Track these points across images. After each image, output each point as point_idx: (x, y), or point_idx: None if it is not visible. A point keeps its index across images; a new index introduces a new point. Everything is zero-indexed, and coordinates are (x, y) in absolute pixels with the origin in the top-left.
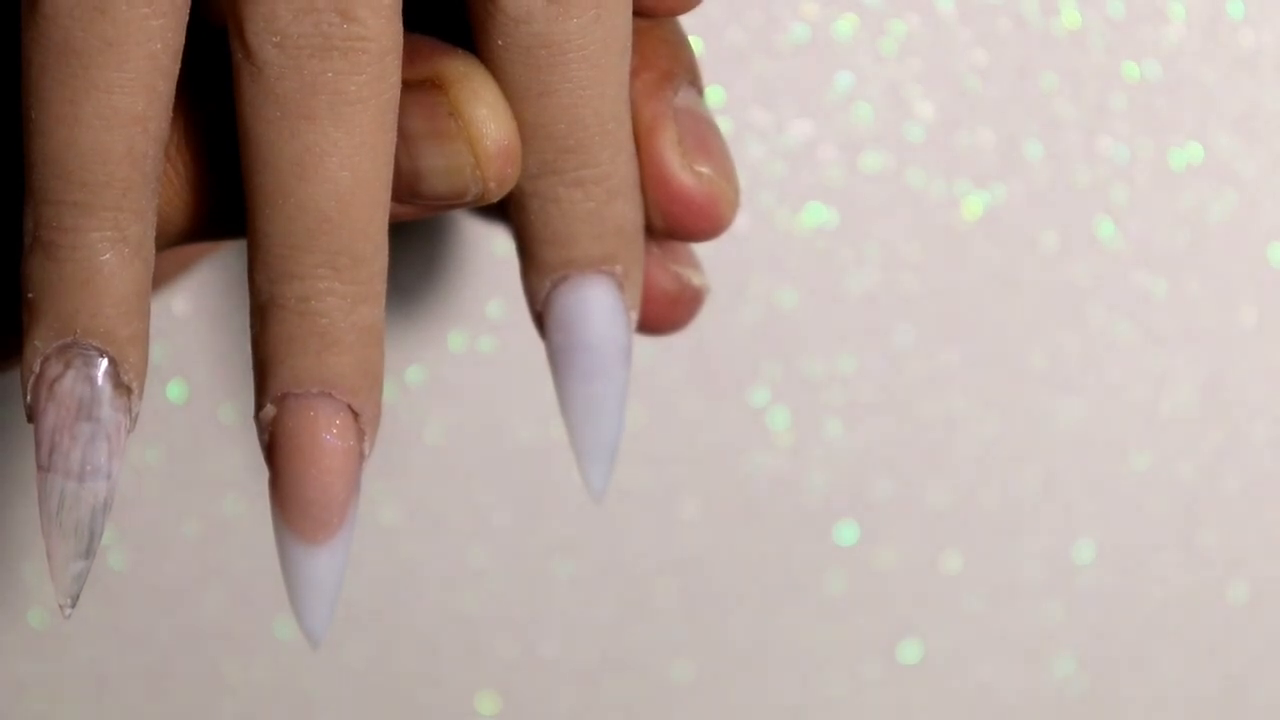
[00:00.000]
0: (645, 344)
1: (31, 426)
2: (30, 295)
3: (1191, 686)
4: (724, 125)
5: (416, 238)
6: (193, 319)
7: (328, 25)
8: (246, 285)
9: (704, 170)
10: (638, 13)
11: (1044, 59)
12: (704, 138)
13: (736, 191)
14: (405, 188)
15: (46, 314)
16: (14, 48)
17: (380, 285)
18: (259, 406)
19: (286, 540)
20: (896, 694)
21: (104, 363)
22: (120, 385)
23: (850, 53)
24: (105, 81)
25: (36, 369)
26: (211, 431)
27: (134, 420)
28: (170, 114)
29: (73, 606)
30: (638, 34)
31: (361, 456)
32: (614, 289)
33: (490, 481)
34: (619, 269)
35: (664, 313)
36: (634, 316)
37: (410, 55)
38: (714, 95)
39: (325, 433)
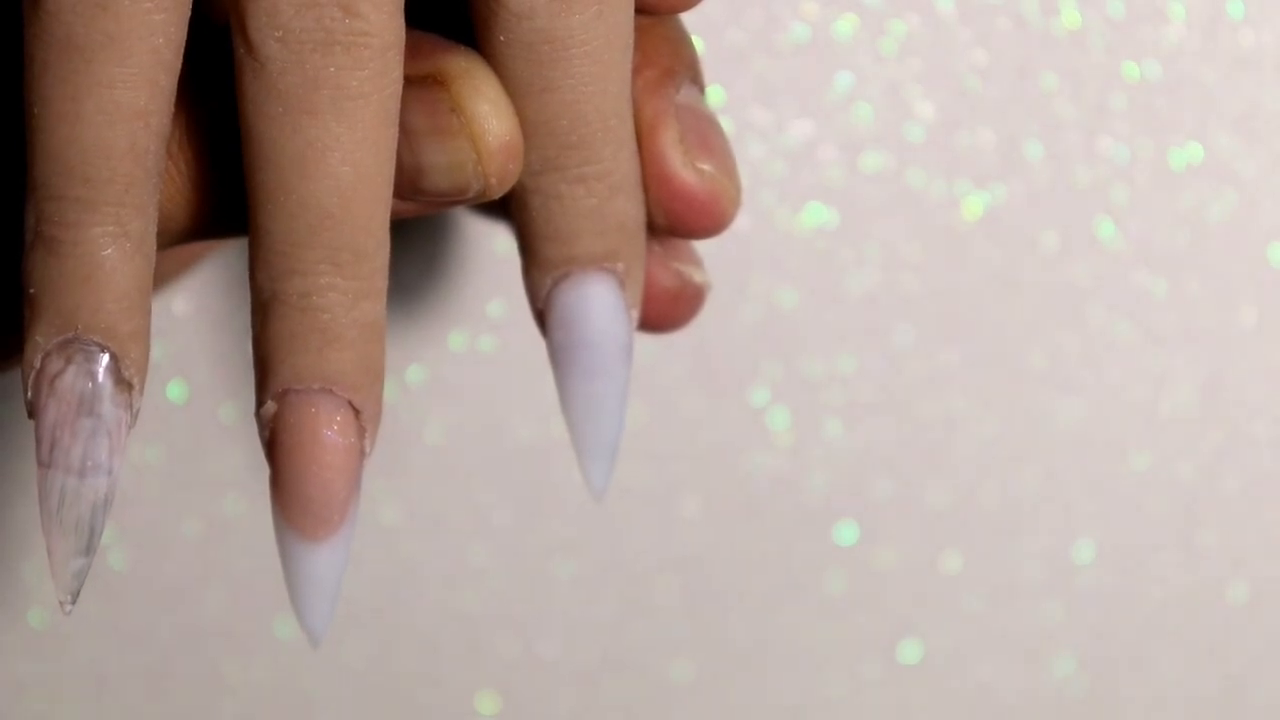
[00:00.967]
0: (646, 343)
1: (32, 423)
2: (31, 291)
3: (1191, 686)
4: (724, 125)
5: (417, 236)
6: (193, 319)
7: (330, 20)
8: (247, 284)
9: (705, 167)
10: (639, 10)
11: (1044, 59)
12: (705, 135)
13: (738, 189)
14: (407, 184)
15: (48, 309)
16: (16, 44)
17: (382, 281)
18: (260, 403)
19: (287, 538)
20: (896, 694)
21: (105, 358)
22: (121, 381)
23: (850, 53)
24: (107, 77)
25: (37, 365)
26: (211, 431)
27: (135, 416)
28: (172, 109)
29: (73, 603)
30: (639, 31)
31: (362, 453)
32: (615, 287)
33: (490, 481)
34: (620, 266)
35: (665, 310)
36: (635, 315)
37: (412, 51)
38: (714, 95)
39: (326, 429)
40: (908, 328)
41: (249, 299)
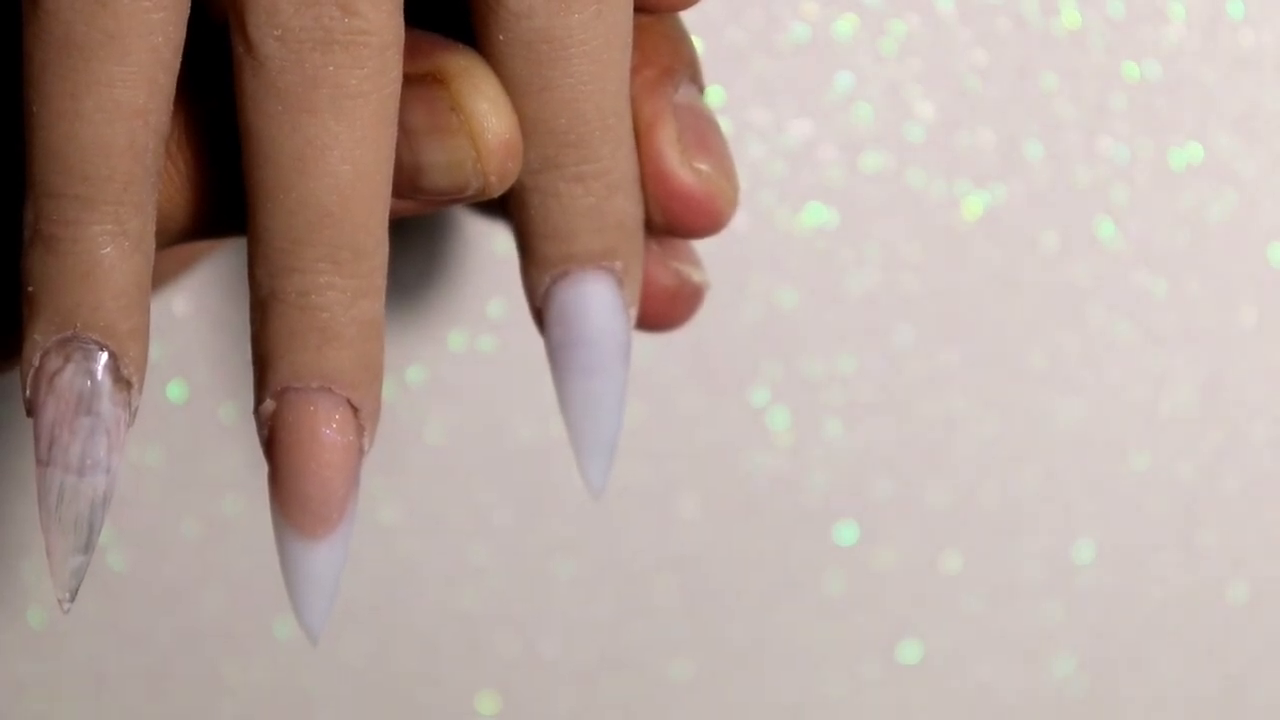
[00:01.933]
0: (645, 342)
1: (30, 422)
2: (30, 289)
3: (1191, 686)
4: (724, 125)
5: (417, 236)
6: (193, 319)
7: (329, 19)
8: (247, 284)
9: (703, 167)
10: (639, 9)
11: (1044, 59)
12: (704, 134)
13: (736, 189)
14: (406, 182)
15: (46, 308)
16: (14, 42)
17: (381, 280)
18: (258, 401)
19: (285, 536)
20: (896, 694)
21: (104, 357)
22: (120, 379)
23: (850, 53)
24: (106, 75)
25: (36, 363)
26: (211, 431)
27: (134, 415)
28: (171, 108)
29: (71, 601)
30: (638, 30)
31: (361, 452)
32: (614, 285)
33: (490, 481)
34: (619, 265)
35: (663, 309)
36: (633, 313)
37: (411, 50)
38: (714, 95)
39: (325, 427)
40: (908, 328)
41: (249, 298)
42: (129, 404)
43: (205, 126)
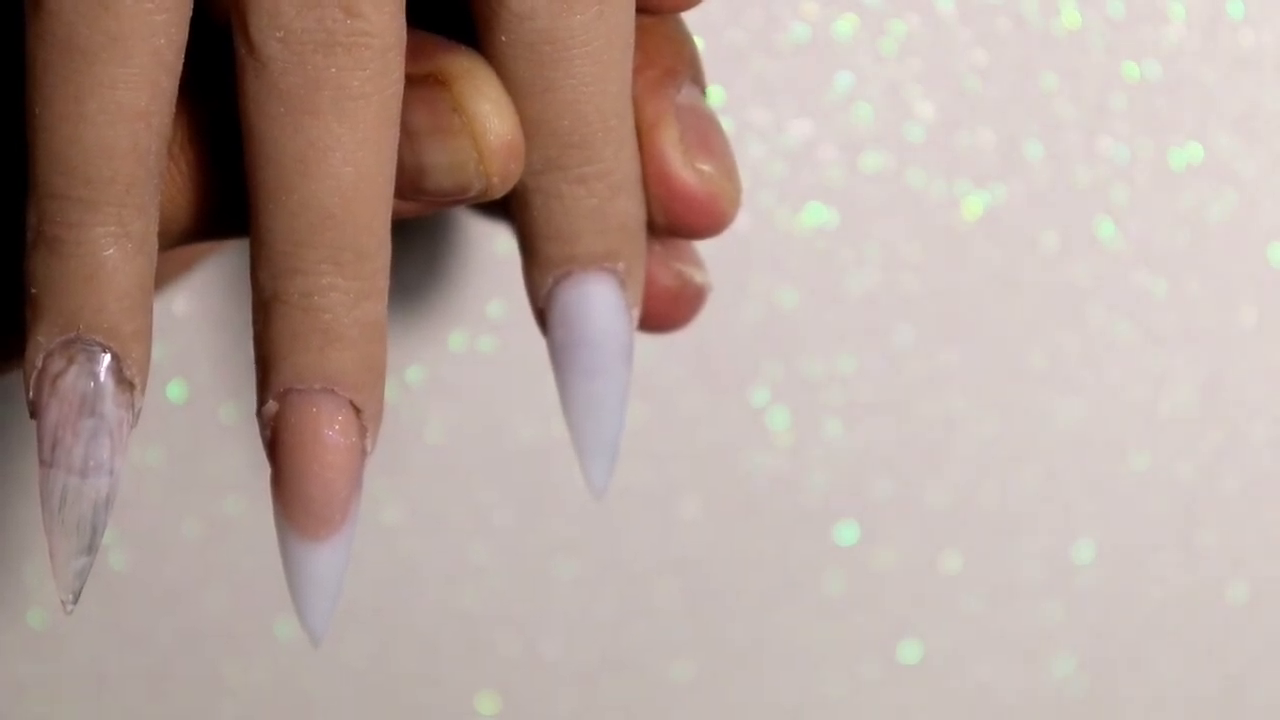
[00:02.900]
0: (646, 343)
1: (33, 424)
2: (33, 291)
3: (1191, 686)
4: (724, 125)
5: (418, 236)
6: (193, 319)
7: (331, 21)
8: (248, 284)
9: (705, 168)
10: (641, 10)
11: (1044, 59)
12: (706, 135)
13: (738, 189)
14: (409, 184)
15: (49, 310)
16: (17, 44)
17: (383, 281)
18: (261, 402)
19: (288, 537)
20: (896, 694)
21: (107, 358)
22: (123, 381)
23: (850, 53)
24: (109, 77)
25: (39, 364)
26: (211, 431)
27: (137, 416)
28: (174, 109)
29: (75, 603)
30: (641, 31)
31: (364, 453)
32: (616, 286)
33: (490, 481)
34: (621, 266)
35: (666, 310)
36: (636, 314)
37: (413, 51)
38: (714, 95)
39: (327, 429)
40: (908, 328)
41: (250, 299)
42: (132, 405)
43: (208, 128)
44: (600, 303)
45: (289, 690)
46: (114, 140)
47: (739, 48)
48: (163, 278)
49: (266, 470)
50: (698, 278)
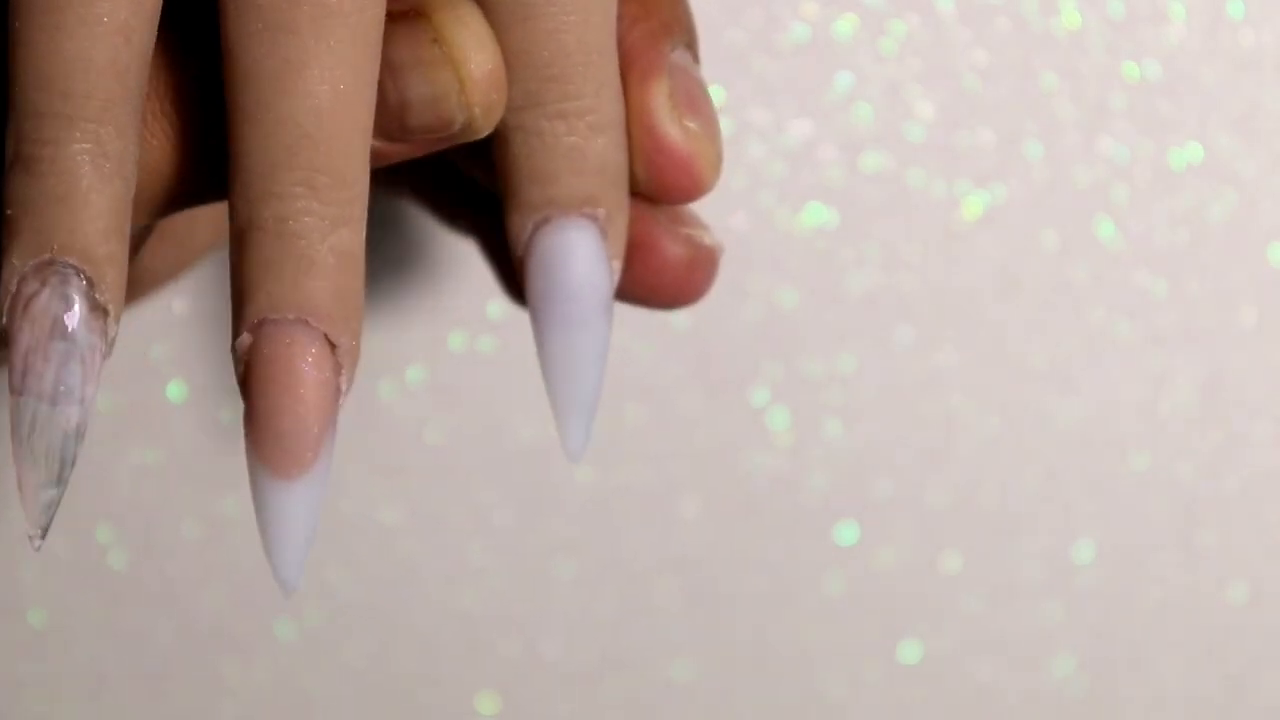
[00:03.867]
0: (646, 343)
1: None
2: (9, 212)
3: (1191, 686)
4: (724, 125)
5: (418, 236)
6: (193, 319)
7: None
8: None
9: (691, 125)
10: None
11: (1044, 59)
12: (694, 96)
13: (719, 155)
14: (393, 121)
15: (24, 231)
16: None
17: (361, 211)
18: (235, 335)
19: (259, 476)
20: (896, 694)
21: (81, 282)
22: (96, 307)
23: (850, 53)
24: None
25: (13, 288)
26: (211, 431)
27: (110, 346)
28: (155, 30)
29: (43, 537)
30: None
31: (338, 391)
32: (596, 234)
33: (490, 481)
34: (602, 213)
35: (683, 280)
36: (617, 266)
37: None
38: (714, 95)
39: (301, 361)
40: (908, 328)
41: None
42: (105, 333)
43: (193, 89)
44: (580, 251)
45: (289, 690)
46: (92, 53)
47: (739, 48)
48: (159, 276)
49: None
50: (707, 240)
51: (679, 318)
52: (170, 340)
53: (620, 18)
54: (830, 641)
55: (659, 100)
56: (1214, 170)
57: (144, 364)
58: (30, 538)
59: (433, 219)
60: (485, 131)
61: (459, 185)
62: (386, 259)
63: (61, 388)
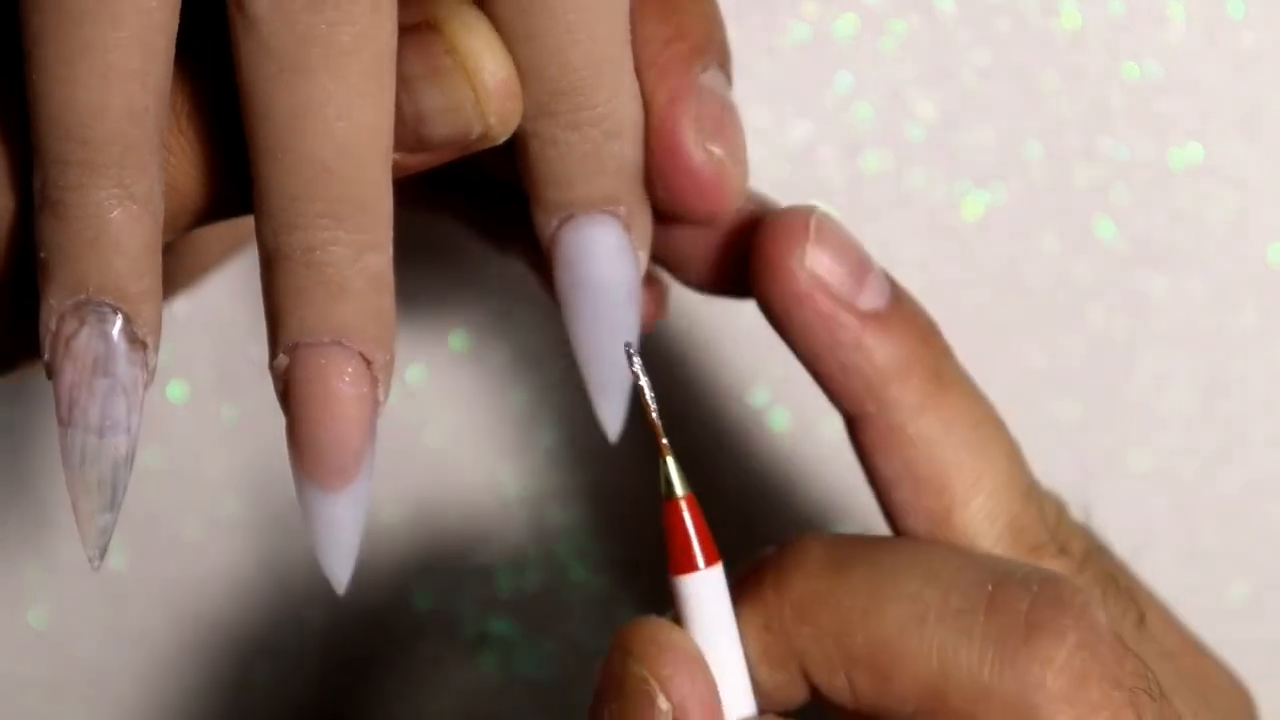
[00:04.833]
0: (645, 343)
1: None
2: (42, 255)
3: None
4: None
5: (419, 237)
6: (193, 319)
7: None
8: (248, 285)
9: (716, 150)
10: None
11: (1044, 59)
12: (722, 120)
13: (744, 180)
14: (410, 134)
15: (58, 272)
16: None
17: (386, 233)
18: (272, 356)
19: (305, 489)
20: None
21: (118, 319)
22: (135, 341)
23: (850, 53)
24: (100, 40)
25: (53, 327)
26: (211, 431)
27: (152, 374)
28: (171, 67)
29: (101, 560)
30: (676, 5)
31: (376, 403)
32: (618, 228)
33: (490, 481)
34: (622, 209)
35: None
36: (643, 256)
37: (405, 1)
38: None
39: (337, 380)
40: None
41: (250, 300)
42: (145, 364)
43: (213, 101)
44: (603, 245)
45: (289, 690)
46: (107, 101)
47: (739, 48)
48: (175, 286)
49: (266, 470)
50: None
51: (679, 318)
52: (170, 340)
53: (653, 39)
54: None
55: (684, 124)
56: (1214, 170)
57: None
58: (89, 559)
59: (432, 219)
60: (502, 139)
61: (502, 204)
62: None
63: (108, 420)
